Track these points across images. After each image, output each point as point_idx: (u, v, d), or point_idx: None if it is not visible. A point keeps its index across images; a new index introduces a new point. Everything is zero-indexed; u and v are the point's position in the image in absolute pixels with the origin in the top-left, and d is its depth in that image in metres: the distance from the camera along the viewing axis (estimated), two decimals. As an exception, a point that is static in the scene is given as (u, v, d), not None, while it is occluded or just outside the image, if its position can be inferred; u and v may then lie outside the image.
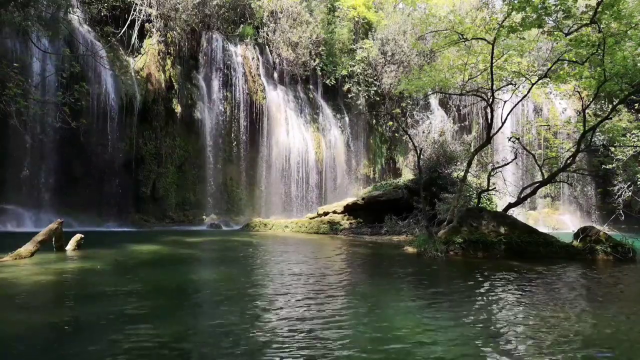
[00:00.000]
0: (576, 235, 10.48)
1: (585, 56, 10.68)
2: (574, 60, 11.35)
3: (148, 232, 16.28)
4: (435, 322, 4.35)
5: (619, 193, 19.97)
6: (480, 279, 7.02)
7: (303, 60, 24.37)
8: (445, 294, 5.84)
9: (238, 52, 22.86)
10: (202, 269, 8.16)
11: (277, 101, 23.81)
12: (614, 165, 17.77)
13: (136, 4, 19.21)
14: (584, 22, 10.40)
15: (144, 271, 7.28)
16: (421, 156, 13.87)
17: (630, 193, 19.73)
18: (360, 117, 26.95)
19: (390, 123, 26.34)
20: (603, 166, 18.03)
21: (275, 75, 24.56)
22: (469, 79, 13.77)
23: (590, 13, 10.02)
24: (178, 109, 20.47)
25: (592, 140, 13.01)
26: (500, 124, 13.23)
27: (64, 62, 15.72)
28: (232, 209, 21.96)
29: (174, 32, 20.35)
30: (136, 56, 19.67)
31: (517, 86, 13.11)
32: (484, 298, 5.61)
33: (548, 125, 24.90)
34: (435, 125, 23.01)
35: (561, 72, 11.96)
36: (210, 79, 22.05)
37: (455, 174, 16.80)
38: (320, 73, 25.60)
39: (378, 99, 26.71)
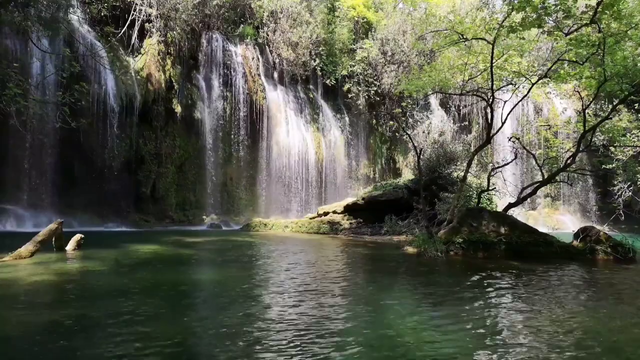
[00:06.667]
0: (576, 235, 10.48)
1: (585, 56, 10.66)
2: (574, 60, 11.34)
3: (148, 232, 16.28)
4: (435, 322, 4.36)
5: (619, 193, 19.95)
6: (480, 279, 7.02)
7: (303, 60, 24.36)
8: (445, 294, 5.84)
9: (238, 52, 22.86)
10: (202, 270, 8.16)
11: (277, 101, 23.81)
12: (614, 165, 17.75)
13: (136, 4, 19.20)
14: (584, 22, 10.38)
15: (144, 271, 7.27)
16: (421, 156, 13.87)
17: (630, 193, 19.72)
18: (360, 117, 26.95)
19: (391, 123, 26.33)
20: (603, 166, 18.01)
21: (275, 75, 24.55)
22: (469, 79, 13.76)
23: (590, 13, 10.01)
24: (178, 109, 20.47)
25: (592, 140, 12.99)
26: (500, 124, 13.22)
27: (64, 62, 15.71)
28: (232, 209, 21.96)
29: (174, 32, 20.35)
30: (136, 56, 19.67)
31: (517, 86, 13.10)
32: (484, 298, 5.61)
33: (548, 125, 24.88)
34: (435, 125, 22.97)
35: (561, 72, 11.94)
36: (210, 79, 22.05)
37: (455, 174, 16.79)
38: (320, 73, 25.60)
39: (378, 99, 26.70)
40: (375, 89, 26.29)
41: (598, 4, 9.71)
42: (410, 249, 10.41)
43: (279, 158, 23.13)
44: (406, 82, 15.67)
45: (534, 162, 14.57)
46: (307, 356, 3.30)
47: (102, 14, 18.76)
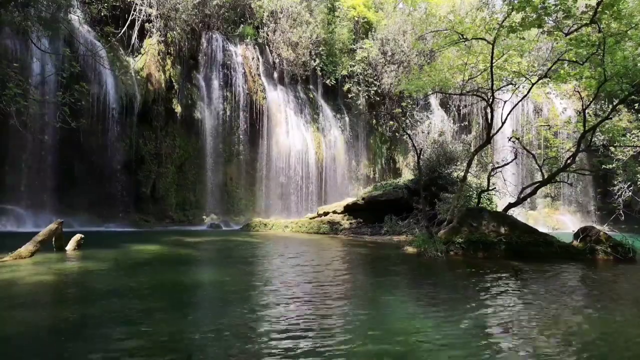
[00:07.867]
0: (576, 236, 10.48)
1: (585, 56, 10.67)
2: (574, 60, 11.34)
3: (148, 232, 16.27)
4: (435, 322, 4.35)
5: (619, 193, 19.96)
6: (480, 279, 7.02)
7: (303, 60, 24.36)
8: (446, 295, 5.84)
9: (238, 52, 22.86)
10: (203, 270, 8.16)
11: (277, 101, 23.81)
12: (614, 165, 17.75)
13: (136, 4, 19.20)
14: (584, 22, 10.38)
15: (144, 271, 7.28)
16: (421, 156, 13.87)
17: (630, 193, 19.73)
18: (360, 117, 26.95)
19: (391, 123, 26.34)
20: (603, 166, 18.01)
21: (275, 75, 24.55)
22: (469, 79, 13.76)
23: (590, 13, 10.01)
24: (178, 109, 20.47)
25: (592, 140, 12.99)
26: (500, 124, 13.22)
27: (64, 62, 15.71)
28: (232, 209, 21.96)
29: (174, 32, 20.34)
30: (136, 56, 19.67)
31: (517, 86, 13.10)
32: (485, 299, 5.61)
33: (548, 125, 24.88)
34: (435, 125, 23.01)
35: (561, 72, 11.94)
36: (210, 79, 22.05)
37: (455, 174, 16.79)
38: (320, 73, 25.60)
39: (378, 99, 26.71)
40: (375, 89, 26.29)
41: (598, 4, 9.71)
42: (410, 249, 10.41)
43: (279, 158, 23.13)
44: (406, 82, 15.68)
45: (534, 162, 14.56)
46: (307, 357, 3.30)
47: (102, 14, 18.75)
